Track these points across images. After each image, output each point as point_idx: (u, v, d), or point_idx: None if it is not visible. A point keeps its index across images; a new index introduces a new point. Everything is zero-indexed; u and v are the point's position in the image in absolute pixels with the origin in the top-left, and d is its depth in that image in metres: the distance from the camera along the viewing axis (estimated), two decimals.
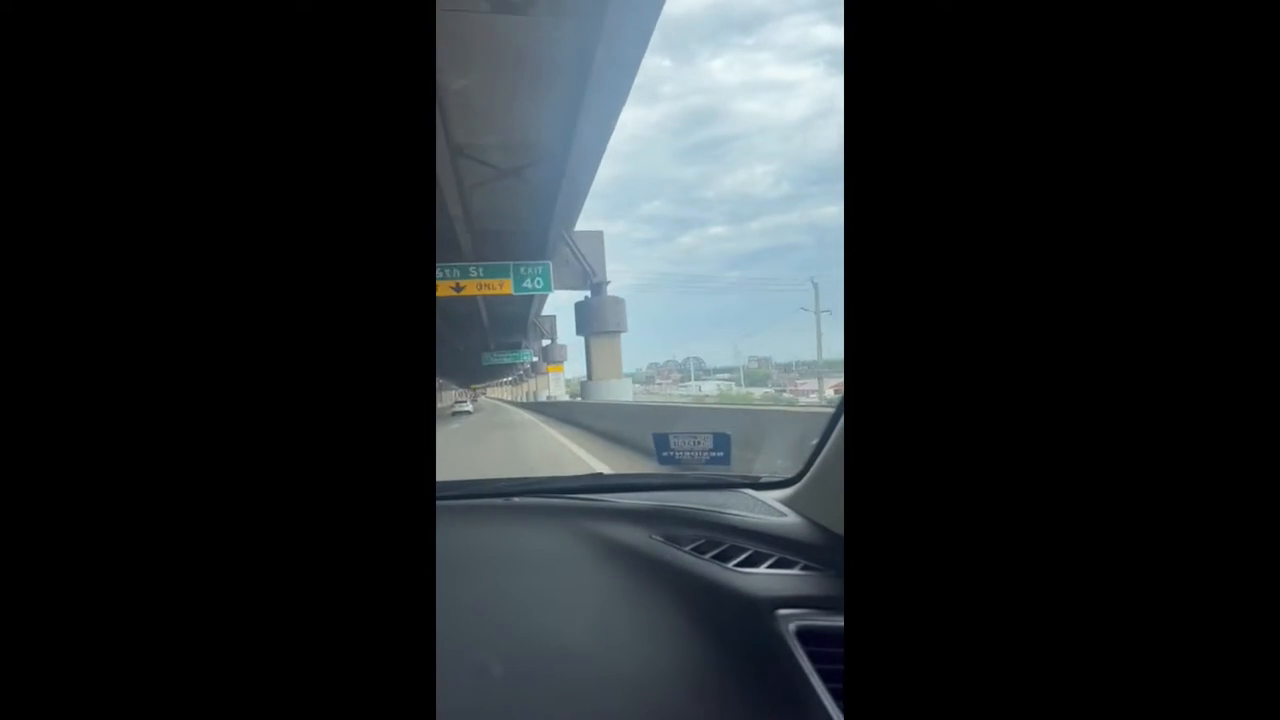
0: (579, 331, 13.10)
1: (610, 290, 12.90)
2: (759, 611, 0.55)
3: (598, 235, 12.87)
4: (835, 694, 0.47)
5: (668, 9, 5.88)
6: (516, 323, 22.68)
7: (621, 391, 12.85)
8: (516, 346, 21.85)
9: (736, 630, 0.51)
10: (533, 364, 36.56)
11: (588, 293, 12.82)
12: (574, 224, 12.24)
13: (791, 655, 0.50)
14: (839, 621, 0.53)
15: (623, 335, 13.03)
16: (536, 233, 11.91)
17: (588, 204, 11.54)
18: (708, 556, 0.62)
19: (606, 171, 11.14)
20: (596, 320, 12.74)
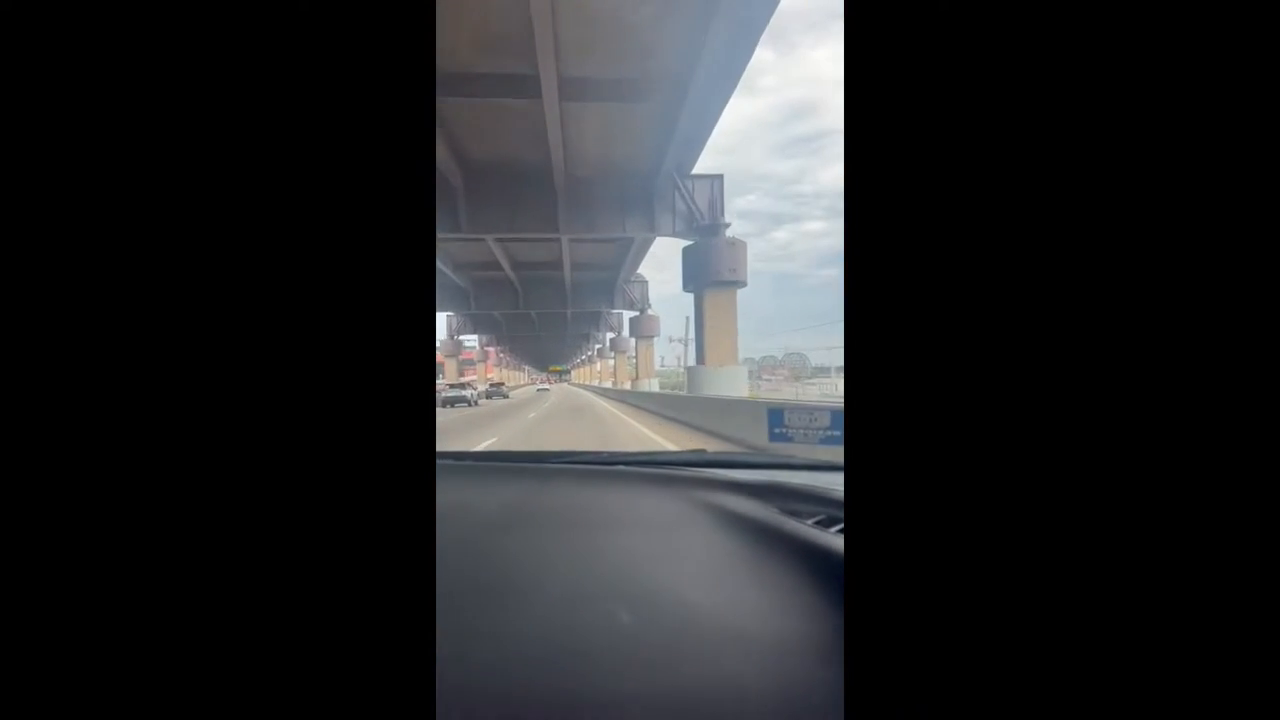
0: (685, 286, 11.73)
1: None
2: None
3: (717, 179, 11.30)
4: None
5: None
6: (602, 288, 21.61)
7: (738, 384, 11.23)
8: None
9: None
10: (611, 341, 35.55)
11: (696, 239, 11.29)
12: (691, 168, 10.89)
13: None
14: None
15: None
16: (645, 173, 10.67)
17: None
18: (832, 531, 0.62)
19: (703, 164, 10.94)
20: (711, 268, 11.05)
